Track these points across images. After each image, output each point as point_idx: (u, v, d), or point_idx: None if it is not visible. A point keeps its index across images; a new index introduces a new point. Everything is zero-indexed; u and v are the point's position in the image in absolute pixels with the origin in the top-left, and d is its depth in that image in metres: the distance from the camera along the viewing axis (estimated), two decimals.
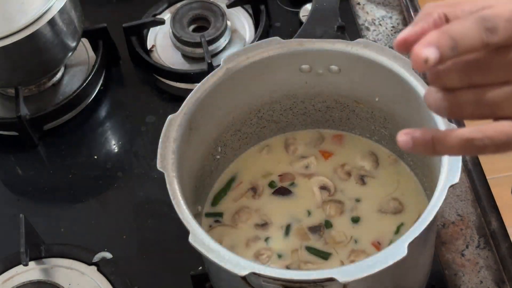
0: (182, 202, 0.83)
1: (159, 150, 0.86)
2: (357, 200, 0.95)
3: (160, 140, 0.86)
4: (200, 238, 0.80)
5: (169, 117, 0.88)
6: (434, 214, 0.78)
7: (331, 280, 0.75)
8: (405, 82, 0.86)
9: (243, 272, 0.76)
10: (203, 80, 0.90)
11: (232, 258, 0.78)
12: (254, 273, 0.76)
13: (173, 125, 0.87)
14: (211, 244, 0.79)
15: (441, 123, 0.82)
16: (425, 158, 0.90)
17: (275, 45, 0.91)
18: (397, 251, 0.75)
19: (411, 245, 0.75)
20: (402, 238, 0.76)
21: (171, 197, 0.83)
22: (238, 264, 0.77)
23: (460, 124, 1.07)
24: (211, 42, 1.16)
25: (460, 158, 0.80)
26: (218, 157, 0.98)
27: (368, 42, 0.89)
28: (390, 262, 0.75)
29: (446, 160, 0.80)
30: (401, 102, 0.90)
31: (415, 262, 0.86)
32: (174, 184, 0.84)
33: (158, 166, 0.85)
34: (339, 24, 0.93)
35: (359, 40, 0.89)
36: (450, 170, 0.80)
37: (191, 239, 0.79)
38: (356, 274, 0.75)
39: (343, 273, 0.75)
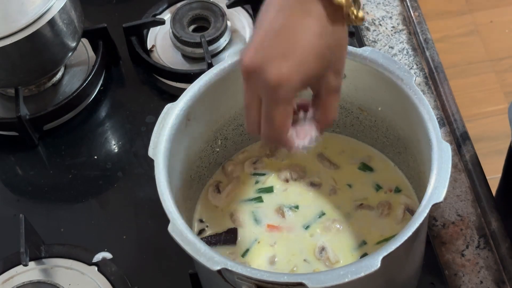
0: (167, 191, 0.83)
1: (152, 137, 0.86)
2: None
3: (155, 127, 0.87)
4: (179, 229, 0.80)
5: (167, 105, 0.88)
6: (412, 231, 0.77)
7: (301, 284, 0.75)
8: (405, 95, 0.86)
9: (215, 267, 0.77)
10: (205, 72, 0.90)
11: (207, 252, 0.78)
12: (226, 269, 0.76)
13: (170, 114, 0.88)
14: (189, 235, 0.79)
15: (435, 140, 0.82)
16: (421, 173, 0.90)
17: None
18: (370, 263, 0.75)
19: (385, 259, 0.75)
20: (377, 251, 0.76)
21: (157, 185, 0.83)
22: (211, 259, 0.78)
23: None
24: (211, 42, 1.16)
25: (448, 176, 0.80)
26: (217, 149, 0.98)
27: (374, 51, 0.89)
28: (361, 274, 0.75)
29: (433, 178, 0.80)
30: (401, 114, 0.90)
31: (395, 273, 0.86)
32: (162, 173, 0.84)
33: (149, 153, 0.85)
34: (348, 30, 0.93)
35: (365, 48, 0.89)
36: (436, 188, 0.79)
37: (170, 229, 0.80)
38: (325, 282, 0.75)
39: (313, 279, 0.75)
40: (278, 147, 0.80)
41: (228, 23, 1.19)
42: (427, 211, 0.78)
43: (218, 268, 0.77)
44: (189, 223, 0.94)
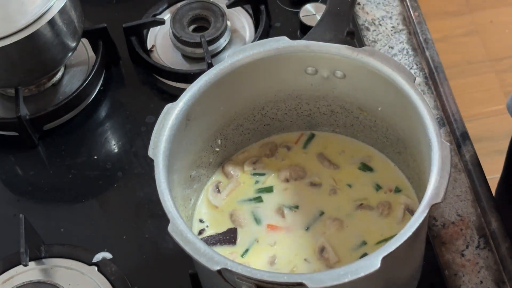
0: (167, 191, 0.83)
1: (152, 137, 0.86)
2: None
3: (155, 127, 0.87)
4: (179, 229, 0.80)
5: (167, 105, 0.88)
6: (412, 231, 0.77)
7: (301, 285, 0.75)
8: (405, 95, 0.86)
9: (215, 267, 0.77)
10: (205, 72, 0.90)
11: (207, 252, 0.78)
12: (226, 269, 0.77)
13: (170, 114, 0.88)
14: (189, 235, 0.79)
15: (435, 140, 0.82)
16: (421, 173, 0.90)
17: (282, 45, 0.91)
18: (370, 263, 0.75)
19: (385, 259, 0.75)
20: (377, 251, 0.76)
21: (157, 185, 0.83)
22: (211, 259, 0.78)
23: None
24: (211, 42, 1.16)
25: (448, 176, 0.80)
26: (217, 149, 0.98)
27: (373, 51, 0.89)
28: (361, 274, 0.75)
29: (433, 178, 0.80)
30: (401, 114, 0.90)
31: (395, 273, 0.86)
32: (162, 173, 0.84)
33: (149, 153, 0.85)
34: (349, 30, 0.93)
35: (365, 48, 0.89)
36: (436, 188, 0.79)
37: (170, 229, 0.80)
38: (325, 282, 0.75)
39: (313, 279, 0.75)
40: None
41: (228, 23, 1.19)
42: (427, 211, 0.78)
43: (218, 268, 0.77)
44: (189, 223, 0.95)
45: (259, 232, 0.94)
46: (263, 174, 0.99)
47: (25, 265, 0.97)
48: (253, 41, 1.16)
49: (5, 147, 1.14)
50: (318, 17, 1.10)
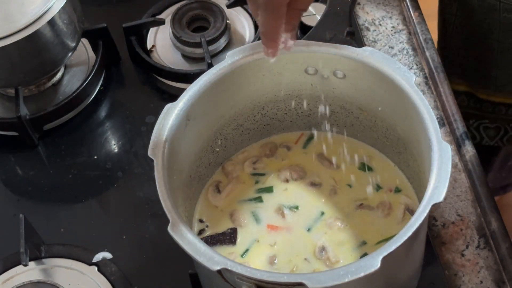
0: (167, 191, 0.83)
1: (152, 137, 0.86)
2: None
3: (155, 127, 0.87)
4: (179, 229, 0.80)
5: (167, 105, 0.88)
6: (412, 231, 0.77)
7: (301, 284, 0.75)
8: (405, 95, 0.86)
9: (216, 267, 0.77)
10: (205, 72, 0.91)
11: (207, 252, 0.78)
12: (226, 269, 0.77)
13: (170, 114, 0.88)
14: (189, 235, 0.79)
15: (435, 140, 0.82)
16: (421, 173, 0.90)
17: None
18: (370, 263, 0.75)
19: (385, 259, 0.75)
20: (377, 251, 0.76)
21: (157, 185, 0.83)
22: (211, 259, 0.78)
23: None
24: (211, 42, 1.16)
25: (448, 176, 0.80)
26: (217, 149, 0.98)
27: (374, 51, 0.89)
28: (361, 274, 0.75)
29: (433, 178, 0.80)
30: (401, 114, 0.90)
31: (395, 273, 0.86)
32: (162, 173, 0.84)
33: (149, 153, 0.85)
34: (349, 30, 0.93)
35: (365, 48, 0.89)
36: (436, 188, 0.79)
37: (169, 229, 0.80)
38: (325, 282, 0.75)
39: (313, 279, 0.75)
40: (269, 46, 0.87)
41: (228, 23, 1.19)
42: (427, 211, 0.78)
43: (218, 268, 0.77)
44: (189, 223, 0.95)
45: (259, 232, 0.94)
46: (263, 174, 0.99)
47: (25, 265, 0.97)
48: (253, 41, 1.16)
49: (5, 147, 1.14)
50: (318, 17, 1.10)
